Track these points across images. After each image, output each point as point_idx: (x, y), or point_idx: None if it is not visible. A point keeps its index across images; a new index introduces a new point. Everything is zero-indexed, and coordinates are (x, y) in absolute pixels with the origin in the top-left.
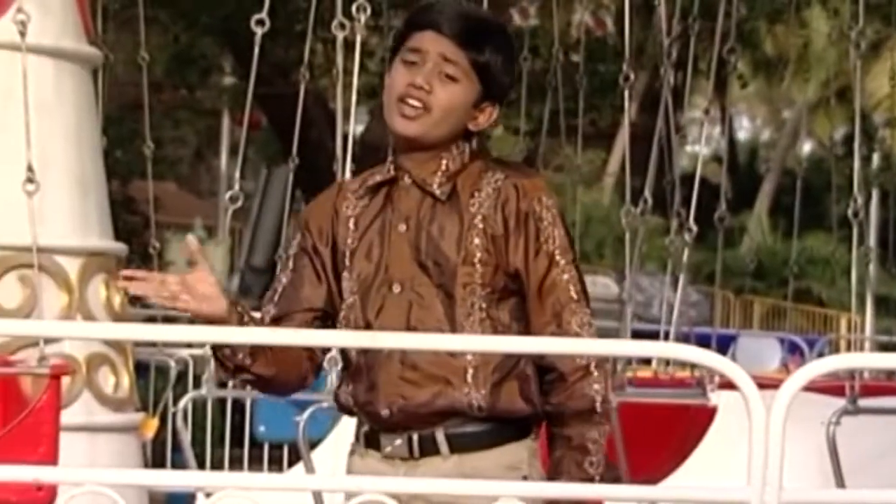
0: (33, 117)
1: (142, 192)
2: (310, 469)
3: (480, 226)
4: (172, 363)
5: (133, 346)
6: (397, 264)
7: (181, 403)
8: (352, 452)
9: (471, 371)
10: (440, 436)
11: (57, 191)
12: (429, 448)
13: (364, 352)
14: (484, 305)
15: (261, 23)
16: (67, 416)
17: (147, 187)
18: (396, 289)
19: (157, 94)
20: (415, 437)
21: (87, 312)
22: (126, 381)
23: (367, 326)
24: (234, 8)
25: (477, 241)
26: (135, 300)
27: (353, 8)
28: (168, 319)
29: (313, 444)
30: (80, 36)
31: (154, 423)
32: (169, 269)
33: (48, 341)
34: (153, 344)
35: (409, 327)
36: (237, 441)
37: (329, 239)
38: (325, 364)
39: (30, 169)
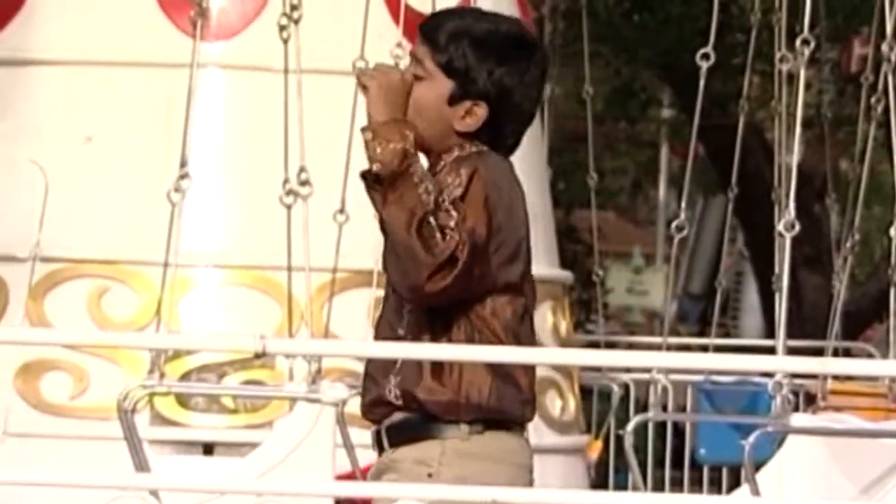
0: None
1: (583, 222)
2: (755, 492)
3: None
4: (615, 387)
5: (578, 370)
6: None
7: (629, 426)
8: None
9: (399, 362)
10: (383, 430)
11: None
12: (381, 442)
13: None
14: None
15: (706, 57)
16: None
17: (589, 217)
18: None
19: (598, 127)
20: (373, 431)
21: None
22: (572, 404)
23: None
24: (674, 42)
25: None
26: (577, 326)
27: (798, 41)
28: (609, 345)
29: (756, 467)
30: None
31: (598, 445)
32: (609, 295)
33: None
34: (597, 368)
35: (389, 322)
36: (676, 463)
37: None
38: (771, 388)
39: None
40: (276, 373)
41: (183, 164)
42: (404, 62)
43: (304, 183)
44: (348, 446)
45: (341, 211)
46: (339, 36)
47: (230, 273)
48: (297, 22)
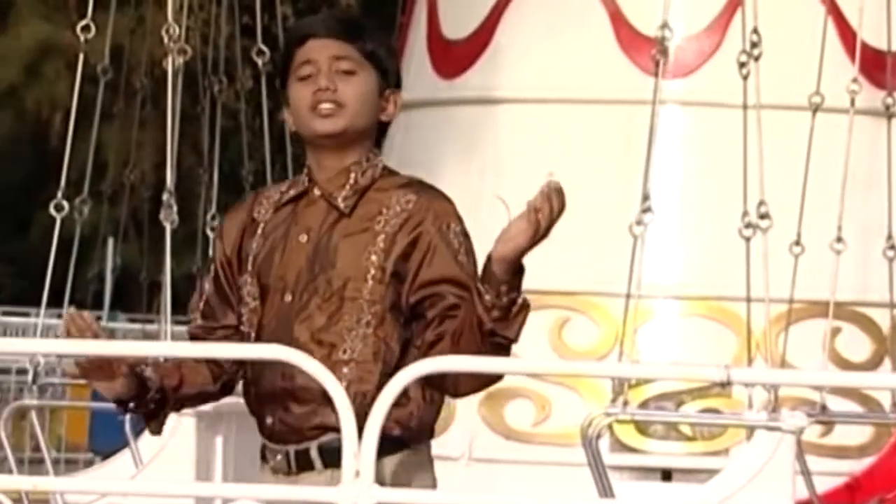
0: None
1: None
2: None
3: (381, 245)
4: None
5: None
6: (292, 273)
7: None
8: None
9: (343, 388)
10: (314, 451)
11: None
12: (304, 463)
13: (252, 361)
14: (373, 322)
15: None
16: None
17: None
18: (288, 297)
19: None
20: (291, 452)
21: None
22: None
23: (260, 331)
24: None
25: (374, 258)
26: None
27: None
28: None
29: None
30: None
31: None
32: None
33: None
34: None
35: (293, 337)
36: None
37: (237, 245)
38: None
39: None
40: (732, 401)
41: (645, 197)
42: (861, 97)
43: (763, 216)
44: (806, 473)
45: (797, 243)
46: (794, 71)
47: (688, 304)
48: (757, 59)
